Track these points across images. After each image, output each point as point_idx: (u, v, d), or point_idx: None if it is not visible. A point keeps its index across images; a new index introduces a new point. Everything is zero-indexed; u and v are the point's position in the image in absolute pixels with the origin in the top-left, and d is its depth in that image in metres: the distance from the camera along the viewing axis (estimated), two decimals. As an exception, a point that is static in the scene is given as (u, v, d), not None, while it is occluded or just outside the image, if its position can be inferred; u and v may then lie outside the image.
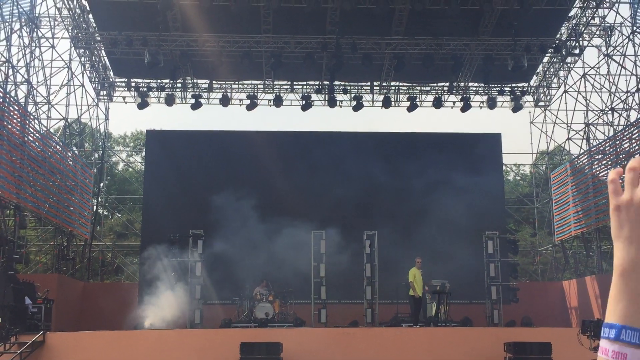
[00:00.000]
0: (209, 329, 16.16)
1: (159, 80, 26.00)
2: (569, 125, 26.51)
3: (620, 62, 24.19)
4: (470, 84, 27.04)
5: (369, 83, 26.97)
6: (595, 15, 24.04)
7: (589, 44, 25.18)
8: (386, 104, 26.26)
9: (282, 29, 23.34)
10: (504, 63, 23.83)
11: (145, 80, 26.15)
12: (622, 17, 24.25)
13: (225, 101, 25.98)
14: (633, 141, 21.88)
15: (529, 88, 27.79)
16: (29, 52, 22.72)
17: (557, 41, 24.43)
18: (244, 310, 19.86)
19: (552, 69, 27.08)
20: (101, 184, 28.49)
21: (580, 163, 25.59)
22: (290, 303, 20.06)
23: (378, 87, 27.07)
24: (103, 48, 24.91)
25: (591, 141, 25.69)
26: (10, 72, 21.28)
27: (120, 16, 22.57)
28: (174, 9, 22.05)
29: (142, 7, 21.65)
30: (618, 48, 24.53)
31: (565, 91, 26.66)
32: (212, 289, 20.69)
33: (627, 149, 22.28)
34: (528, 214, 31.36)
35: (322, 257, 19.59)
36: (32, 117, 21.66)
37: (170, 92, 26.17)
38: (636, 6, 23.45)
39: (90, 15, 23.54)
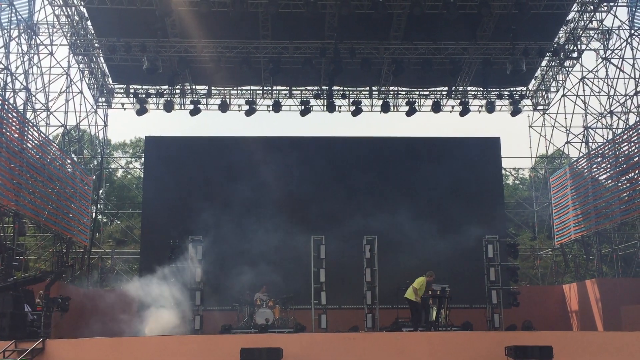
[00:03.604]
0: (209, 335, 16.10)
1: (157, 87, 26.00)
2: (568, 128, 26.53)
3: (619, 66, 24.24)
4: (469, 88, 27.04)
5: (367, 88, 26.99)
6: (593, 18, 24.06)
7: (587, 48, 25.24)
8: (385, 108, 26.26)
9: (281, 35, 23.33)
10: (503, 67, 23.83)
11: (144, 87, 26.15)
12: (620, 21, 24.33)
13: (224, 107, 25.97)
14: (632, 144, 21.88)
15: (528, 92, 27.80)
16: (27, 59, 22.73)
17: (556, 45, 24.45)
18: (244, 316, 19.82)
19: (550, 73, 27.10)
20: (100, 191, 28.46)
21: (580, 166, 25.59)
22: (290, 309, 20.00)
23: (377, 92, 27.08)
24: (101, 54, 24.91)
25: (590, 144, 25.71)
26: (9, 79, 21.29)
27: (118, 23, 22.57)
28: (172, 15, 22.03)
29: (140, 14, 21.67)
30: (616, 51, 24.58)
31: (563, 95, 26.69)
32: (212, 294, 20.63)
33: (626, 152, 22.28)
34: (528, 218, 31.33)
35: (322, 262, 19.53)
36: (30, 124, 21.64)
37: (169, 98, 26.14)
38: (634, 9, 23.50)
39: (89, 22, 23.53)
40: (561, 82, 27.04)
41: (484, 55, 23.92)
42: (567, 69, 26.44)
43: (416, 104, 26.64)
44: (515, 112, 26.52)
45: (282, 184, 23.66)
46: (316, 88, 26.46)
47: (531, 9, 21.35)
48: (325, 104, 26.01)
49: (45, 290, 16.08)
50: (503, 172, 28.31)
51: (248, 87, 26.72)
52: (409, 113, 26.35)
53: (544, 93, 27.82)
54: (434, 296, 17.18)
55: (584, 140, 26.11)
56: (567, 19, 23.94)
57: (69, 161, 24.76)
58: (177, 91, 26.55)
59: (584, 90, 25.72)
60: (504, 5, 21.68)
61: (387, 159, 25.10)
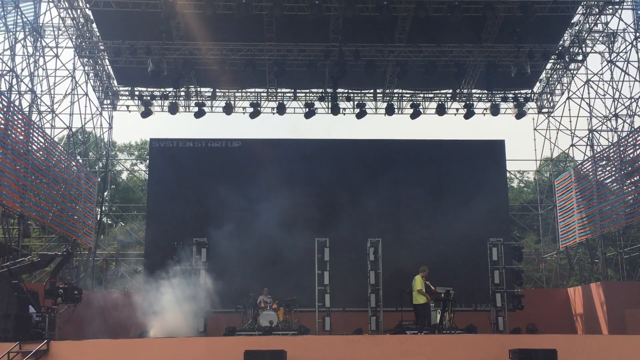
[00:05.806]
0: (213, 337, 16.11)
1: (162, 89, 26.08)
2: (573, 131, 26.48)
3: (624, 69, 24.17)
4: (474, 90, 27.03)
5: (372, 90, 26.99)
6: (598, 21, 24.03)
7: (592, 51, 25.17)
8: (389, 111, 26.25)
9: (285, 37, 23.37)
10: (507, 70, 23.83)
11: (149, 89, 26.21)
12: (625, 24, 24.37)
13: (228, 109, 26.03)
14: (637, 147, 21.82)
15: (532, 94, 27.77)
16: (33, 61, 22.81)
17: (560, 47, 24.42)
18: (248, 318, 19.83)
19: (555, 76, 27.05)
20: (105, 193, 28.49)
21: (585, 169, 25.53)
22: (294, 311, 20.00)
23: (381, 95, 27.09)
24: (107, 57, 24.97)
25: (595, 147, 25.63)
26: (15, 81, 21.36)
27: (123, 25, 22.64)
28: (177, 18, 22.11)
29: (145, 16, 21.72)
30: (621, 54, 24.50)
31: (568, 97, 26.63)
32: (216, 297, 20.64)
33: (631, 155, 22.23)
34: (532, 221, 31.28)
35: (326, 264, 19.54)
36: (36, 126, 21.70)
37: (173, 101, 26.22)
38: (639, 12, 23.43)
39: (94, 25, 23.62)
40: (566, 84, 27.00)
41: (489, 58, 23.92)
42: (572, 71, 26.39)
43: (420, 107, 26.65)
44: (520, 114, 26.49)
45: (286, 186, 23.63)
46: (320, 90, 26.47)
47: (536, 11, 21.36)
48: (330, 106, 25.99)
49: (51, 277, 14.54)
50: (508, 174, 28.25)
51: (252, 90, 26.78)
52: (414, 116, 26.36)
53: (548, 96, 27.78)
54: (438, 299, 17.16)
55: (589, 143, 26.04)
56: (572, 21, 23.93)
57: (73, 163, 24.81)
58: (182, 93, 26.61)
59: (589, 93, 25.70)
60: (509, 7, 21.67)
61: (391, 161, 25.05)
